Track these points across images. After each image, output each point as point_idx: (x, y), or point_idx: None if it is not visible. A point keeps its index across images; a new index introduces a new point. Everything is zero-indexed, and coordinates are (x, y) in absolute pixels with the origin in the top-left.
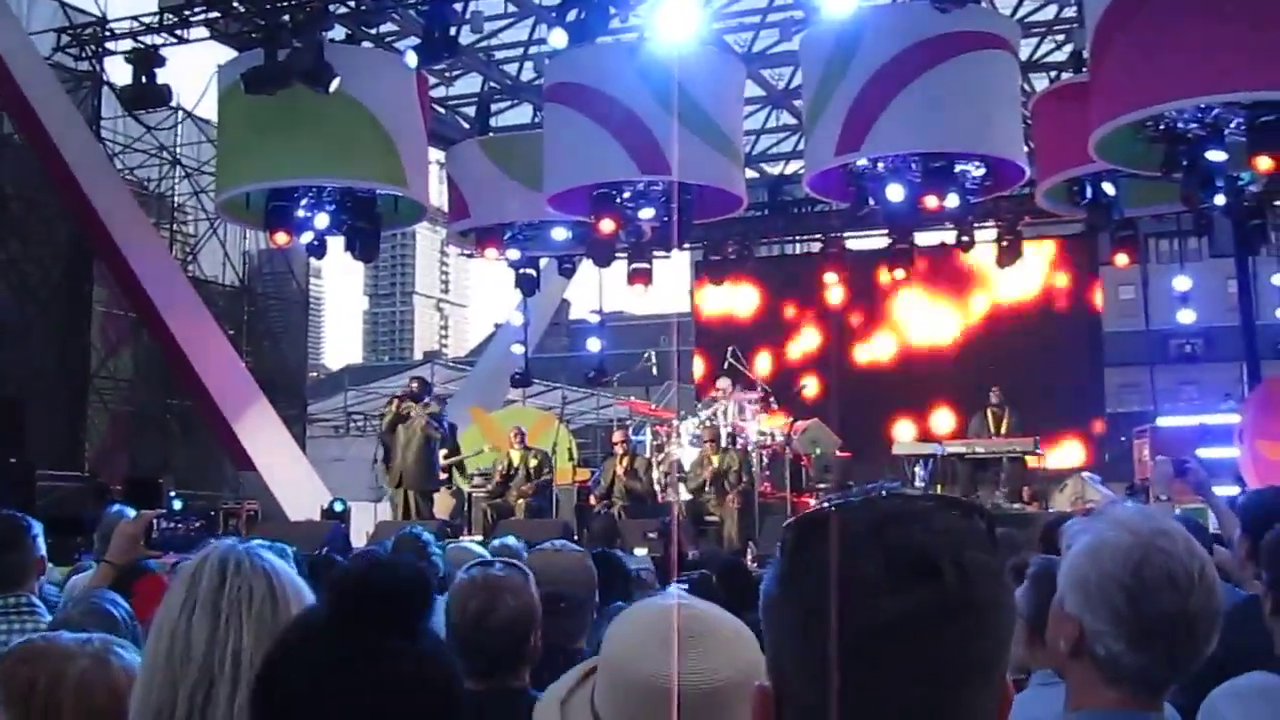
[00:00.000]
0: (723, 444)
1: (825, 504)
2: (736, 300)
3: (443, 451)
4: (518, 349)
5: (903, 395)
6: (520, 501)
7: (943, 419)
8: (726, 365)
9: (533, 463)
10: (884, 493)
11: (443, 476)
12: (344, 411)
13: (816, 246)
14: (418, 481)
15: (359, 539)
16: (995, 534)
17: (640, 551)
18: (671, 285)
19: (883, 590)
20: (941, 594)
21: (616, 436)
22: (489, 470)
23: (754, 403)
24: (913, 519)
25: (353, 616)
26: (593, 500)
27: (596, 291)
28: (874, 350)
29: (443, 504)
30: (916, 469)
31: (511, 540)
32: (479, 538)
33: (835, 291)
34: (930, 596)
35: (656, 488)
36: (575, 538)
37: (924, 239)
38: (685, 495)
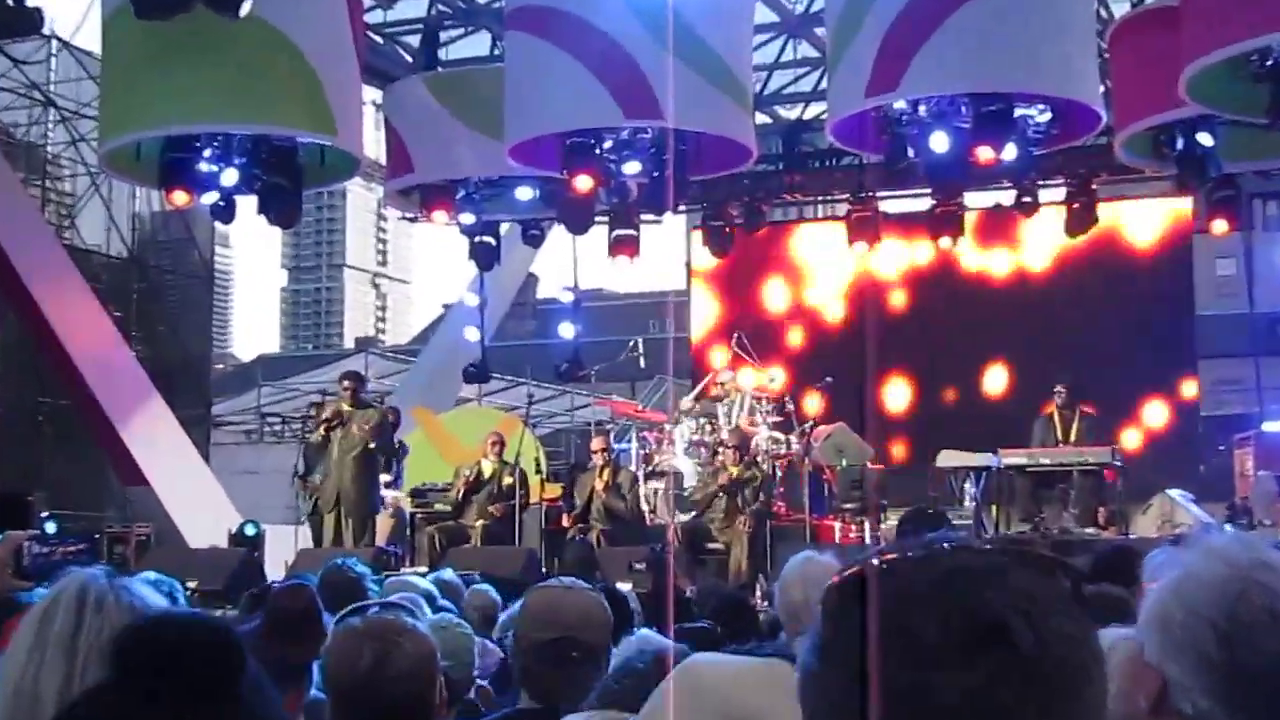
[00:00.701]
0: (732, 447)
1: (875, 558)
2: (744, 275)
3: (384, 477)
4: (472, 335)
5: (950, 398)
6: (478, 524)
7: (997, 431)
8: (731, 355)
9: (507, 480)
10: (947, 545)
11: (386, 496)
12: (258, 412)
13: (843, 209)
14: (357, 505)
15: (276, 570)
16: (1083, 594)
17: (624, 587)
18: (663, 257)
19: (945, 663)
20: (1015, 667)
21: (595, 444)
22: (438, 485)
23: (767, 401)
24: (981, 577)
25: (141, 685)
26: (565, 523)
27: (570, 265)
28: (914, 336)
29: (380, 526)
30: (966, 485)
31: (449, 575)
32: (423, 569)
33: (861, 262)
34: (1002, 671)
35: (645, 507)
36: (543, 569)
37: (976, 200)
38: (681, 515)
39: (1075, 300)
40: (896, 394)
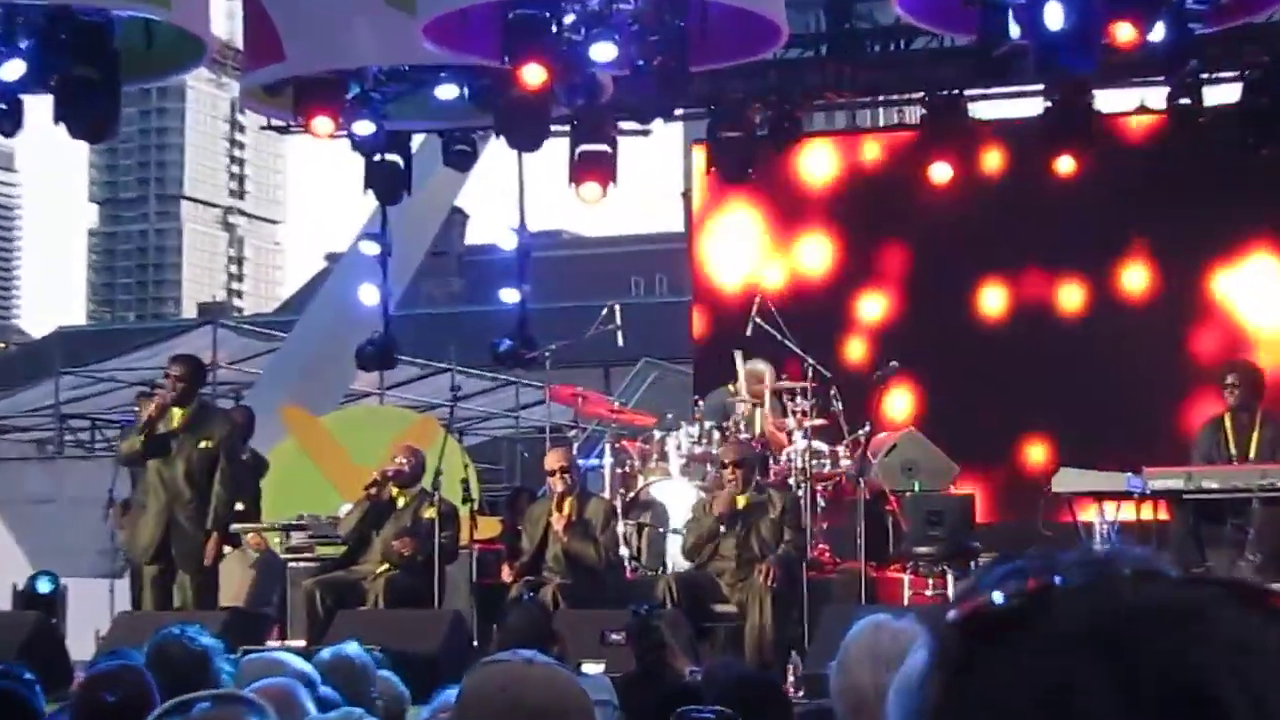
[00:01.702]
0: (731, 463)
1: (1015, 590)
2: (769, 211)
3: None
4: (369, 297)
5: (1061, 388)
6: (380, 576)
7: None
8: (750, 327)
9: (427, 513)
10: (1126, 570)
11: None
12: (55, 414)
13: (915, 114)
14: (192, 552)
15: (82, 642)
16: None
17: (592, 668)
18: (652, 186)
19: None
20: None
21: (552, 460)
22: (321, 519)
23: (802, 395)
24: (1178, 620)
25: None
26: (506, 575)
27: (514, 198)
28: (1011, 297)
29: (232, 577)
30: (1095, 519)
31: (352, 649)
32: (301, 642)
33: (948, 195)
34: None
35: (625, 551)
36: (473, 642)
37: (1110, 101)
38: (675, 558)
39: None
40: (989, 382)
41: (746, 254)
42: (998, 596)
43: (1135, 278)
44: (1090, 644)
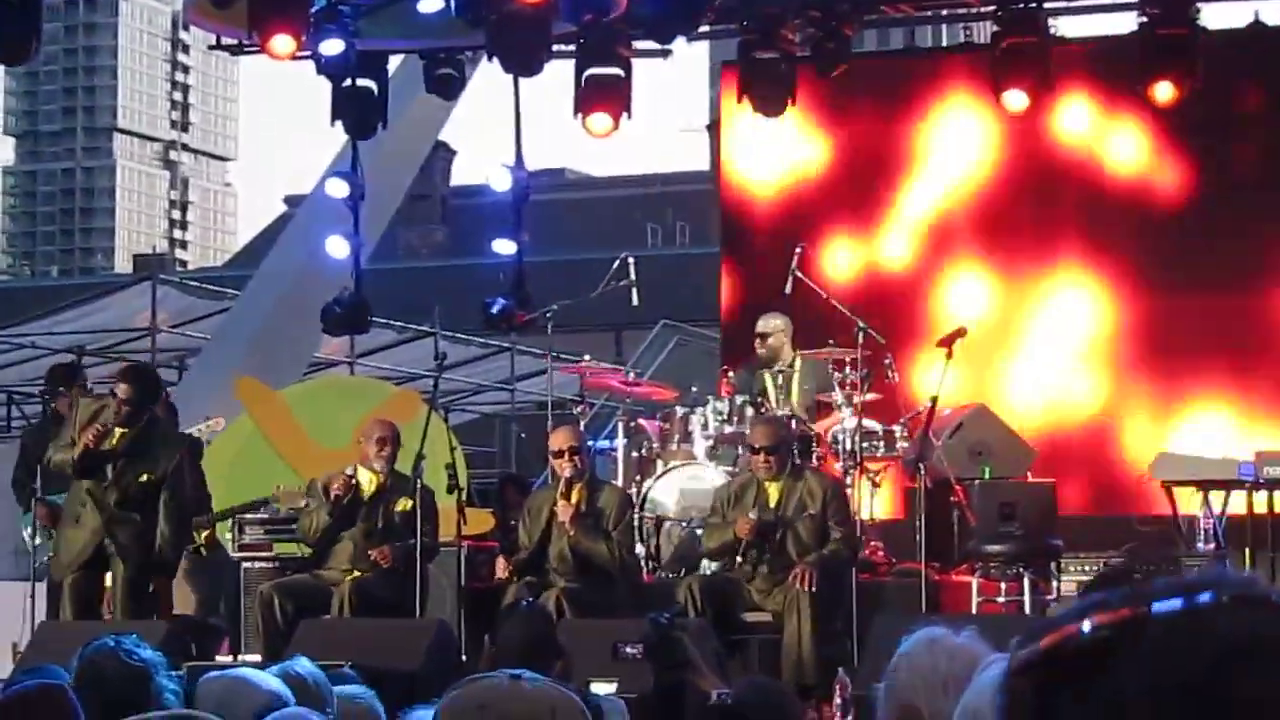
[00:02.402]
0: (762, 449)
1: (1087, 619)
2: (808, 148)
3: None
4: (337, 250)
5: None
6: (347, 579)
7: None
8: (790, 283)
9: (402, 505)
10: (1222, 594)
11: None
12: None
13: (985, 31)
14: (135, 547)
15: None
16: None
17: (603, 688)
18: (672, 116)
19: None
20: None
21: (559, 440)
22: (279, 511)
23: (850, 365)
24: (1275, 656)
25: None
26: (501, 574)
27: (511, 132)
28: (1122, 249)
29: (176, 580)
30: (1198, 511)
31: (303, 666)
32: (256, 657)
33: (1024, 129)
34: None
35: (640, 550)
36: (462, 655)
37: (1218, 16)
38: (698, 559)
39: None
40: (1072, 350)
41: (782, 198)
42: (1086, 625)
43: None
44: (1189, 690)
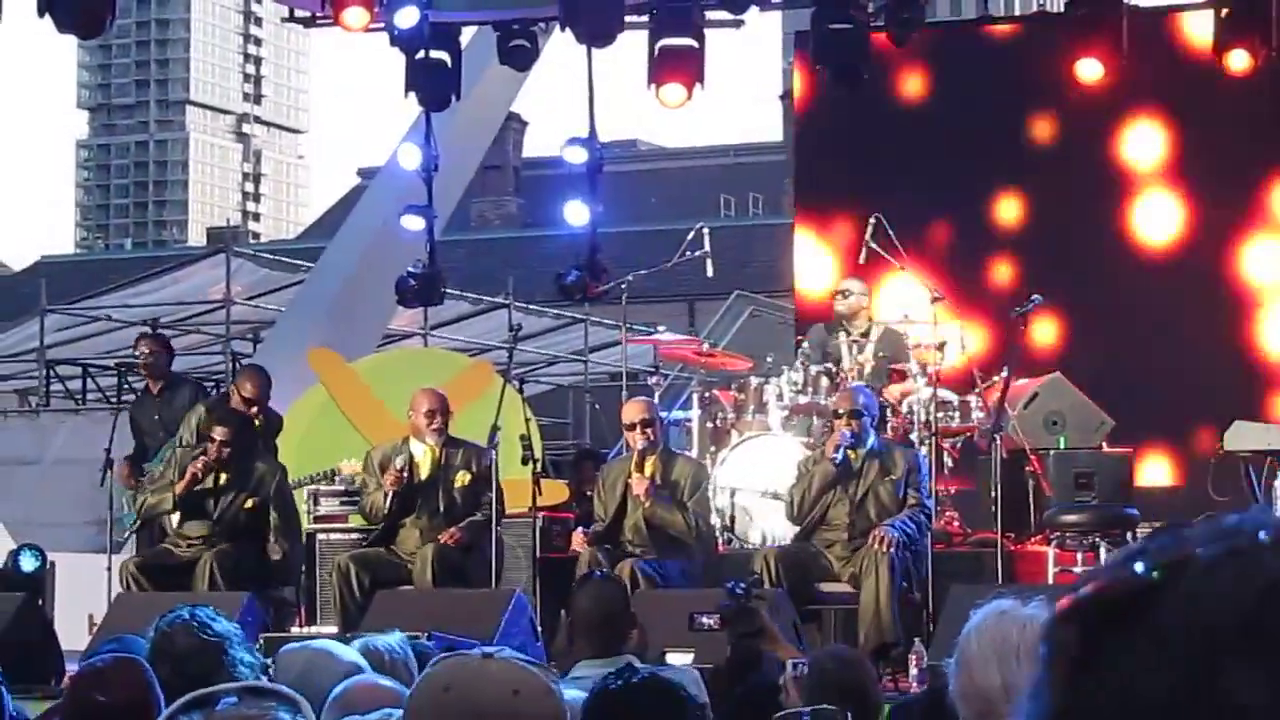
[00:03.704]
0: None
1: (1140, 560)
2: (886, 118)
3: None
4: (411, 222)
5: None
6: (421, 550)
7: None
8: (864, 253)
9: (460, 479)
10: (1261, 533)
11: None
12: (39, 359)
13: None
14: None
15: (73, 628)
16: None
17: (678, 659)
18: (747, 88)
19: None
20: None
21: (631, 413)
22: (353, 483)
23: (929, 337)
24: None
25: None
26: (576, 546)
27: (584, 103)
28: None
29: None
30: (1277, 482)
31: (394, 640)
32: (333, 629)
33: (1100, 102)
34: None
35: (716, 521)
36: (537, 627)
37: None
38: (775, 529)
39: None
40: (1151, 318)
41: (857, 169)
42: (1139, 566)
43: None
44: (1239, 627)
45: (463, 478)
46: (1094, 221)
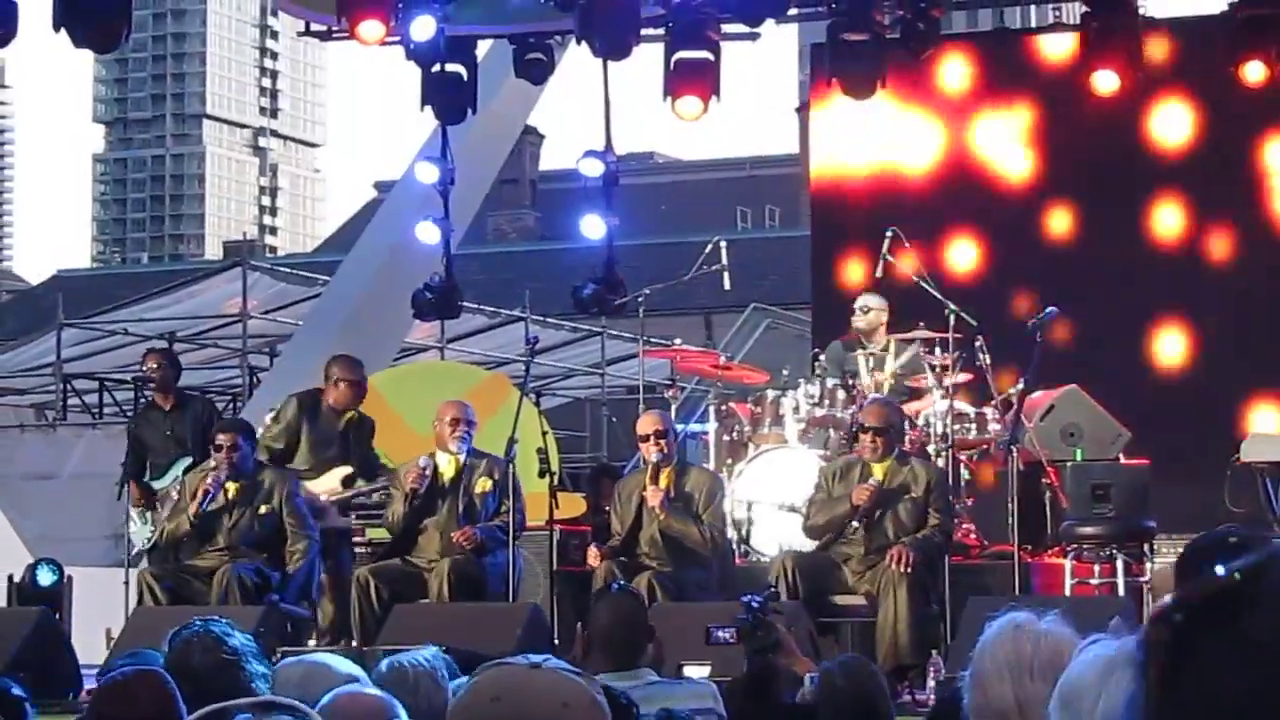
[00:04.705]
0: (872, 430)
1: (1235, 563)
2: (901, 130)
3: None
4: (428, 235)
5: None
6: (439, 565)
7: None
8: (881, 266)
9: (481, 485)
10: None
11: None
12: (56, 374)
13: (1075, 12)
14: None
15: (91, 640)
16: None
17: (695, 671)
18: (762, 99)
19: None
20: None
21: (646, 425)
22: (369, 494)
23: (946, 349)
24: None
25: None
26: (592, 561)
27: (599, 116)
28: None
29: None
30: None
31: (426, 656)
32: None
33: (1121, 110)
34: None
35: (732, 534)
36: (554, 640)
37: None
38: (792, 541)
39: None
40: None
41: (872, 181)
42: (1220, 569)
43: None
44: None
45: (484, 484)
46: (1112, 235)
